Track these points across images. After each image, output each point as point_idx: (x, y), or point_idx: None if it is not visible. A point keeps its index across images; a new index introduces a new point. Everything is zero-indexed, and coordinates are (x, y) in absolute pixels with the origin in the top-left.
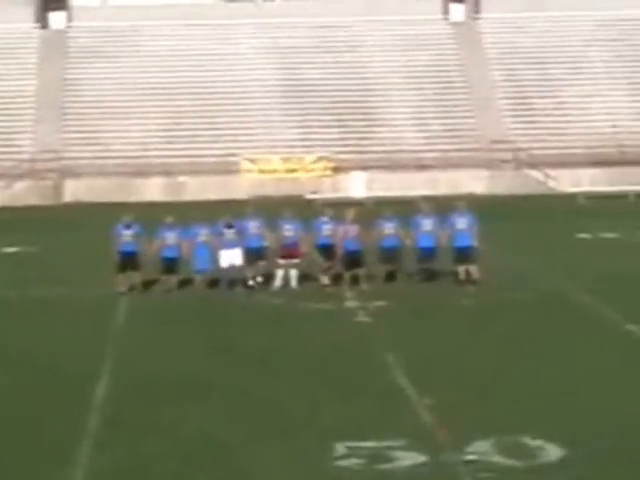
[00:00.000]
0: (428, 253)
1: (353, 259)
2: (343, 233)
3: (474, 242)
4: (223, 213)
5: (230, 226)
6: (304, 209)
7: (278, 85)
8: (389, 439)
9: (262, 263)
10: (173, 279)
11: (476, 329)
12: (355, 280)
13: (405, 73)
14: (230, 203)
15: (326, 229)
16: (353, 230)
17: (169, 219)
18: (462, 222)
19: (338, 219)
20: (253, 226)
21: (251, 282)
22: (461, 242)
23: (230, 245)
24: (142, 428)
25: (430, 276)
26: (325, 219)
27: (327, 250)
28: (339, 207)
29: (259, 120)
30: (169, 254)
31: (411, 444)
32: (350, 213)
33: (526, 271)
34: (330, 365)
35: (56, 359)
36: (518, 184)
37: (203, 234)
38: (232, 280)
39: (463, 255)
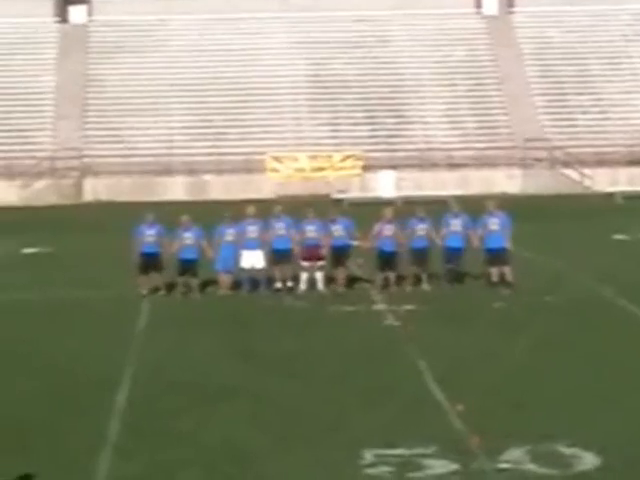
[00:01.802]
0: (455, 253)
1: (387, 260)
2: (377, 232)
3: (506, 244)
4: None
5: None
6: (331, 209)
7: (307, 81)
8: (419, 446)
9: (289, 266)
10: (194, 281)
11: (509, 333)
12: (387, 283)
13: (437, 69)
14: (256, 202)
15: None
16: (388, 229)
17: (185, 219)
18: (494, 223)
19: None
20: (280, 227)
21: (279, 284)
22: (493, 244)
23: (252, 245)
24: (164, 435)
25: (456, 277)
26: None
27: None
28: (366, 207)
29: (287, 117)
30: (186, 255)
31: (442, 452)
32: (388, 211)
33: (561, 273)
34: (358, 370)
35: (76, 363)
36: (553, 183)
37: (229, 234)
38: (254, 282)
39: (495, 257)
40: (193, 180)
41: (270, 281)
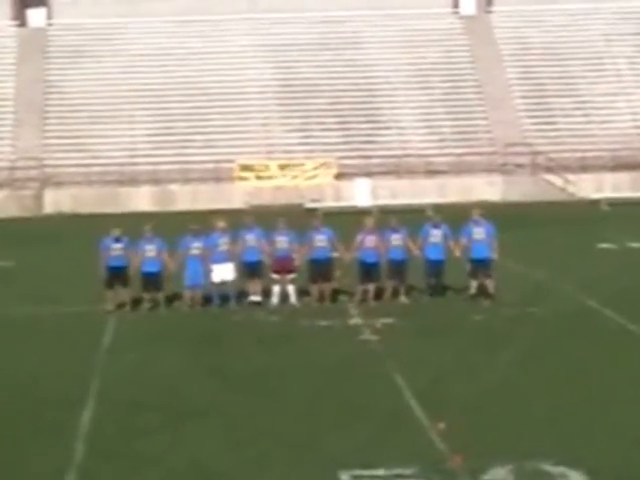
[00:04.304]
0: (436, 265)
1: (370, 272)
2: (359, 242)
3: (491, 254)
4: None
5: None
6: (304, 219)
7: (275, 85)
8: (399, 467)
9: (260, 279)
10: (159, 296)
11: (491, 347)
12: (365, 296)
13: (412, 71)
14: (225, 212)
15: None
16: (370, 240)
17: (147, 230)
18: (479, 232)
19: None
20: (251, 238)
21: (253, 297)
22: (478, 254)
23: (222, 259)
24: (131, 457)
25: (438, 291)
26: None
27: (320, 264)
28: (343, 216)
29: (255, 123)
30: (148, 268)
31: (423, 472)
32: (369, 221)
33: (545, 284)
34: (334, 387)
35: (38, 382)
36: (535, 190)
37: (195, 247)
38: (225, 296)
39: (479, 268)
40: (159, 190)
41: (241, 295)
